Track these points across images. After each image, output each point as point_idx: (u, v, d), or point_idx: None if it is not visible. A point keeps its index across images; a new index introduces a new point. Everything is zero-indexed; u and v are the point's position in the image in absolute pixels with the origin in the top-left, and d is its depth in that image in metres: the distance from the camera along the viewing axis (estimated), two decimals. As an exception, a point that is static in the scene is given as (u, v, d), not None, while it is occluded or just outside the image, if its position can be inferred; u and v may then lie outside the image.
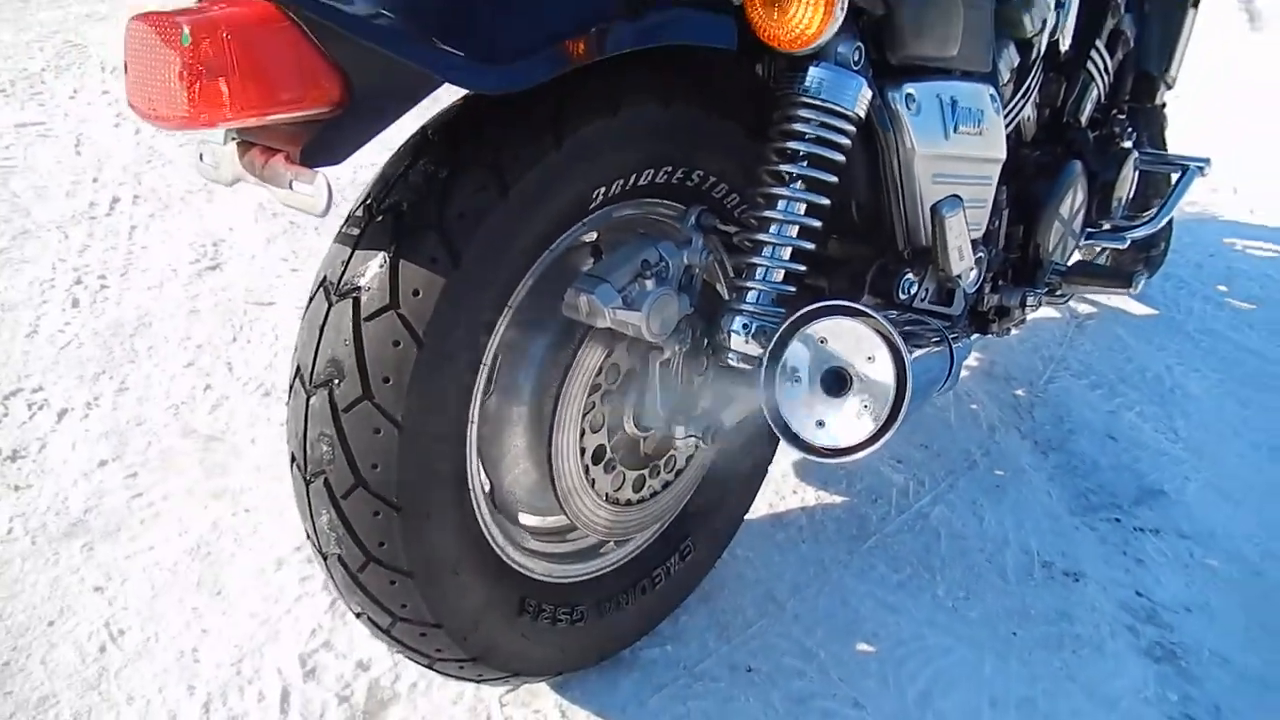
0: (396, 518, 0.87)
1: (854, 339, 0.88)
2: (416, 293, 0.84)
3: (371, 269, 0.85)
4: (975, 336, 1.54)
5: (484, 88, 0.81)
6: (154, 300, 1.72)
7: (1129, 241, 1.75)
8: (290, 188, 0.77)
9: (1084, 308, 2.25)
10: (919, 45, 1.12)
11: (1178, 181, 1.78)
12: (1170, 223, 1.99)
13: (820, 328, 0.89)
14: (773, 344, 0.91)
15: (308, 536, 0.94)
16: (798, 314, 0.90)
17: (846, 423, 0.88)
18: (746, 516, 1.36)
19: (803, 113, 0.98)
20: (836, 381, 0.89)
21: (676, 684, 1.21)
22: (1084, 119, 1.65)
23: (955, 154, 1.19)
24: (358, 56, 0.74)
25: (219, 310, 1.72)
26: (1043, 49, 1.49)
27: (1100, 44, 1.64)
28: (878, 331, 0.87)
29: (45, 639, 1.13)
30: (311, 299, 0.89)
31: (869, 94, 1.01)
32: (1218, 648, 1.42)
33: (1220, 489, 1.75)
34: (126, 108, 2.04)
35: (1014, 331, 1.62)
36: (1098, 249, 1.97)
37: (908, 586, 1.43)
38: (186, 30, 0.69)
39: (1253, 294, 2.50)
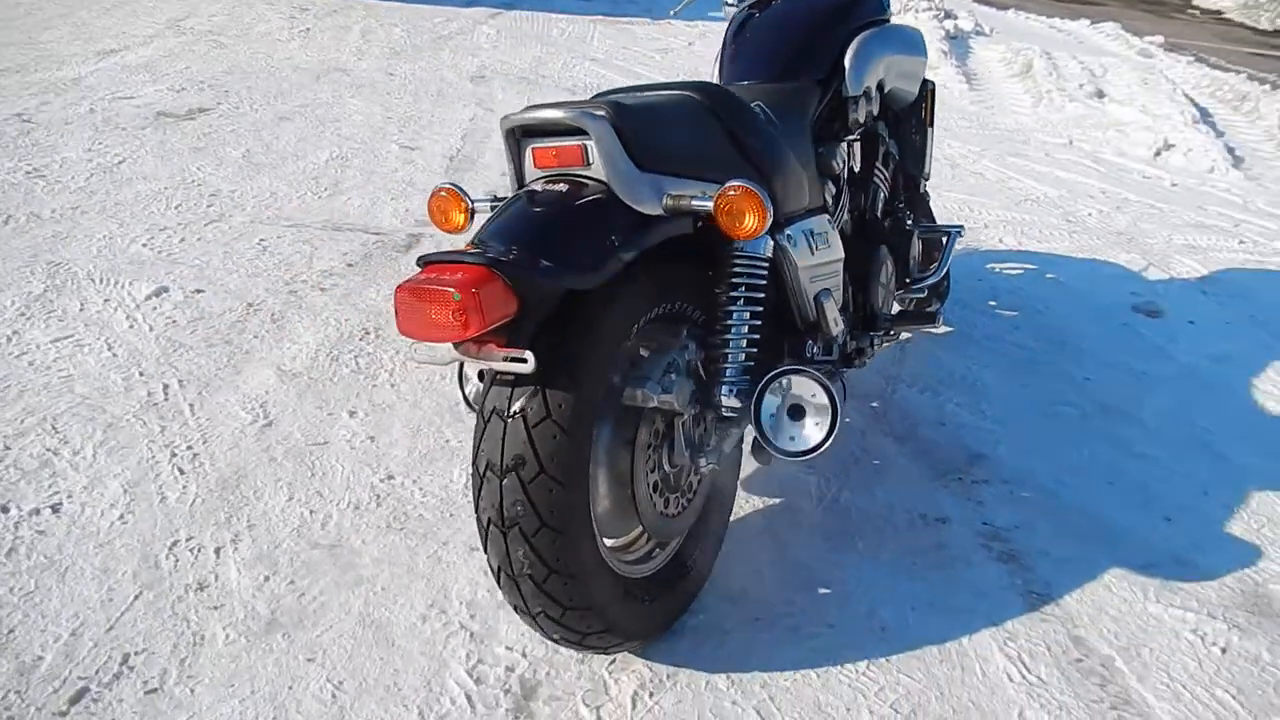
0: (562, 540, 1.38)
1: (802, 385, 1.47)
2: (560, 406, 1.36)
3: (530, 397, 1.36)
4: (845, 371, 2.18)
5: (584, 286, 1.36)
6: (239, 457, 2.12)
7: (925, 290, 2.45)
8: (502, 360, 1.30)
9: (905, 336, 2.95)
10: (788, 205, 1.75)
11: (947, 242, 2.50)
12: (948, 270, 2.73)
13: (782, 381, 1.48)
14: (756, 396, 1.49)
15: (497, 570, 1.43)
16: (767, 377, 1.48)
17: (808, 434, 1.47)
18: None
19: (741, 264, 1.58)
20: (797, 411, 1.48)
21: (711, 640, 1.74)
22: (879, 214, 2.35)
23: (819, 262, 1.83)
24: (524, 285, 1.29)
25: (290, 455, 2.14)
26: (845, 178, 2.17)
27: (878, 164, 2.36)
28: (814, 379, 1.47)
29: (292, 697, 1.54)
30: (487, 422, 1.39)
31: (771, 243, 1.63)
32: (1040, 546, 2.06)
33: (1020, 446, 2.43)
34: (133, 312, 2.42)
35: (867, 364, 2.26)
36: (908, 299, 2.68)
37: (840, 548, 2.01)
38: (457, 294, 1.21)
39: (1014, 304, 3.29)
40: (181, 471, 2.05)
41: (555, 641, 1.56)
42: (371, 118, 4.67)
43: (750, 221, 1.45)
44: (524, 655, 1.66)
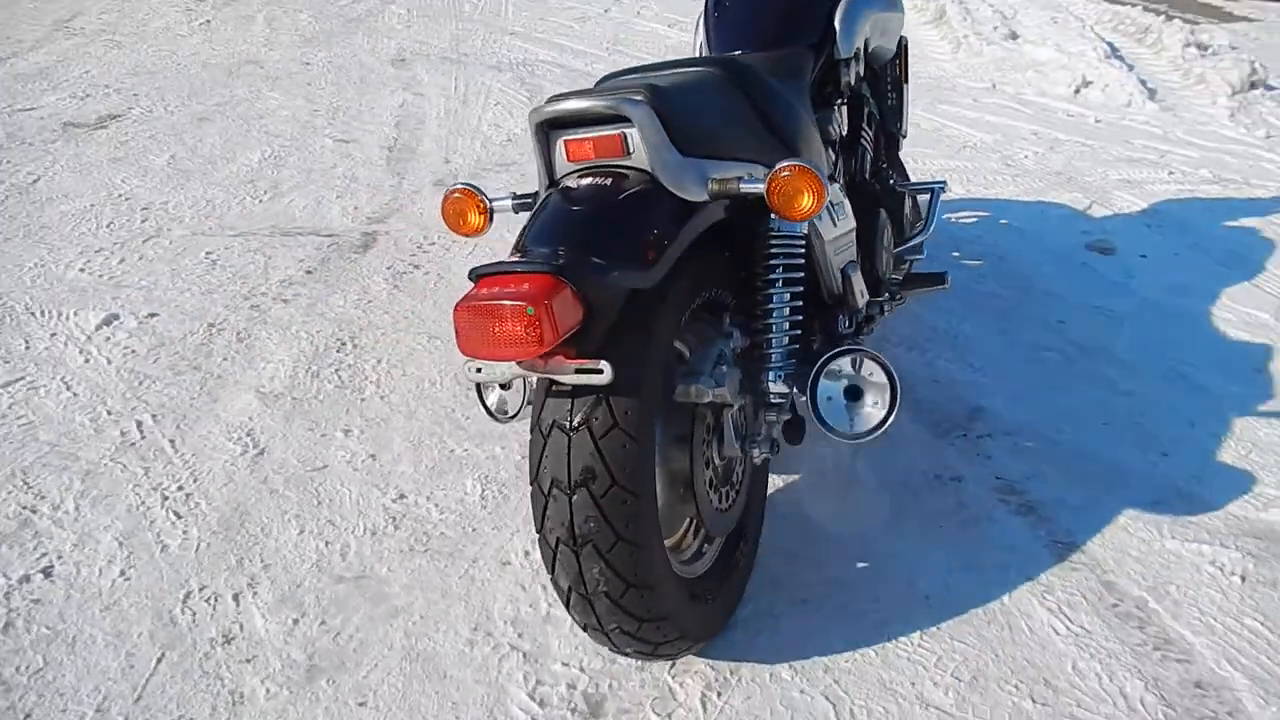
0: (639, 552, 1.31)
1: (859, 365, 1.42)
2: (626, 413, 1.29)
3: (593, 406, 1.28)
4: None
5: (648, 285, 1.29)
6: (236, 492, 1.99)
7: (923, 250, 2.43)
8: (574, 372, 1.22)
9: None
10: None
11: (932, 199, 2.48)
12: None
13: (836, 363, 1.42)
14: (811, 380, 1.43)
15: (567, 591, 1.35)
16: (822, 360, 1.43)
17: (869, 414, 1.42)
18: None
19: (778, 244, 1.52)
20: (854, 392, 1.43)
21: (765, 630, 1.70)
22: (869, 176, 2.31)
23: (841, 233, 1.78)
24: (590, 290, 1.21)
25: (291, 483, 2.02)
26: (837, 143, 2.12)
27: (864, 125, 2.31)
28: (871, 358, 1.42)
29: (351, 747, 1.45)
30: (547, 437, 1.31)
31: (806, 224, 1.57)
32: (1054, 496, 2.08)
33: (1013, 396, 2.45)
34: (86, 345, 2.25)
35: (874, 330, 2.23)
36: (904, 262, 2.65)
37: (867, 520, 2.00)
38: (531, 307, 1.12)
39: (976, 253, 3.31)
40: (178, 515, 1.91)
41: (627, 655, 1.50)
42: (297, 112, 4.44)
43: (808, 201, 1.38)
44: (582, 669, 1.60)
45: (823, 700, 1.56)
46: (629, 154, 1.36)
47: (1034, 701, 1.57)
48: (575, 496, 1.29)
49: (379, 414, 2.27)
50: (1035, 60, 5.71)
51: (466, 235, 1.58)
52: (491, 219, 1.56)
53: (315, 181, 3.65)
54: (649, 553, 1.33)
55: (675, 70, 1.62)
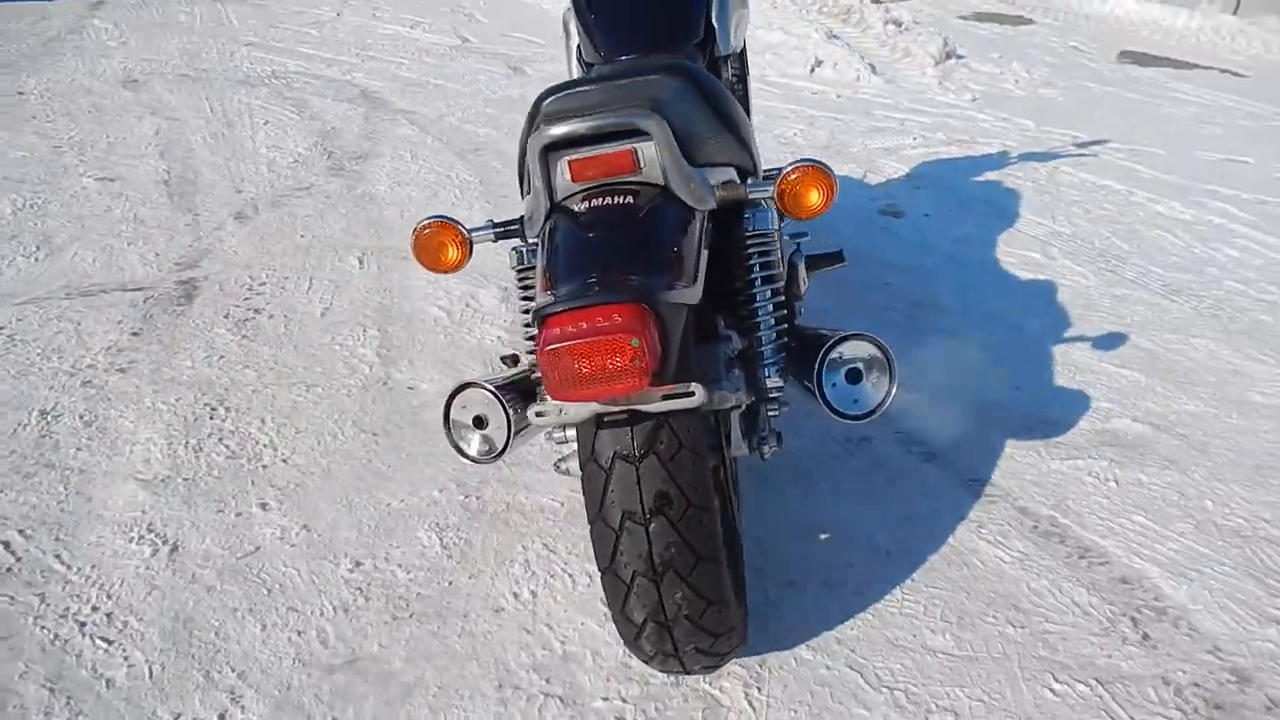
0: (718, 569, 1.29)
1: (858, 348, 1.47)
2: (689, 431, 1.26)
3: (655, 430, 1.24)
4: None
5: (697, 300, 1.27)
6: (167, 600, 1.70)
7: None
8: (661, 400, 1.18)
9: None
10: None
11: None
12: None
13: (838, 350, 1.47)
14: (818, 369, 1.47)
15: (641, 624, 1.31)
16: (824, 348, 1.47)
17: (870, 394, 1.48)
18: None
19: (755, 242, 1.53)
20: (854, 375, 1.48)
21: (771, 618, 1.74)
22: None
23: (780, 224, 1.83)
24: (663, 312, 1.17)
25: (227, 576, 1.76)
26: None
27: None
28: (869, 340, 1.47)
29: None
30: (609, 472, 1.25)
31: (774, 214, 1.59)
32: (947, 439, 2.28)
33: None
34: None
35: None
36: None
37: (810, 492, 2.08)
38: (635, 339, 1.07)
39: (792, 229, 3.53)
40: (108, 642, 1.62)
41: (693, 673, 1.48)
42: (35, 150, 3.80)
43: (816, 198, 1.40)
44: (624, 700, 1.56)
45: (848, 670, 1.64)
46: (639, 169, 1.32)
47: (1014, 626, 1.74)
48: (653, 525, 1.25)
49: (291, 480, 2.04)
50: (769, 43, 6.10)
51: (443, 271, 1.46)
52: (471, 251, 1.45)
53: (94, 229, 3.16)
54: (723, 567, 1.32)
55: (635, 78, 1.55)
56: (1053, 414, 2.41)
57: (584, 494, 1.30)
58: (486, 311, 2.79)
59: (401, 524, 1.93)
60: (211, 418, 2.23)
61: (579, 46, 2.13)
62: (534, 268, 1.63)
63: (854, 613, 1.76)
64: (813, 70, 5.75)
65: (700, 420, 1.29)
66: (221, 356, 2.48)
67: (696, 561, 1.27)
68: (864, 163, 4.30)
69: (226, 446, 2.13)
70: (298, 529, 1.90)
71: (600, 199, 1.32)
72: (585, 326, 1.12)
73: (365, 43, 5.91)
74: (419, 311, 2.78)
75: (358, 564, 1.82)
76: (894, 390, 1.48)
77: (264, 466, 2.08)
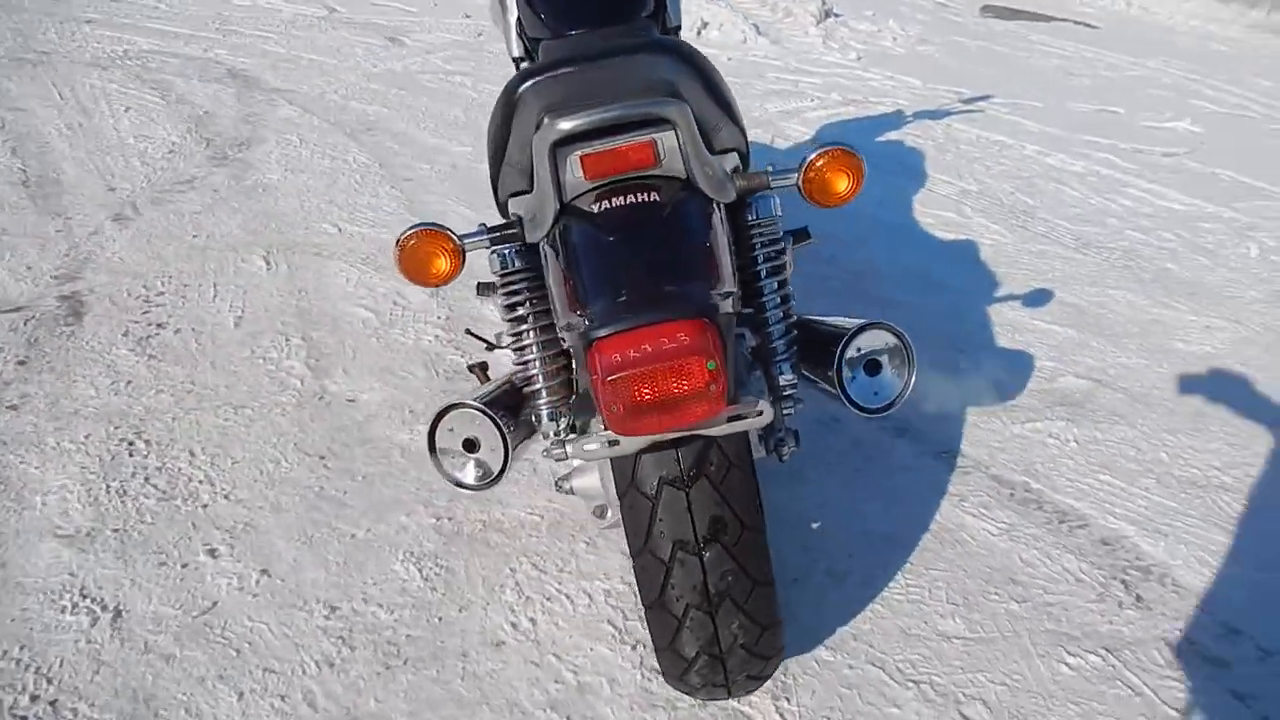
0: (770, 592, 1.20)
1: (876, 338, 1.39)
2: (735, 448, 1.15)
3: (705, 450, 1.13)
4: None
5: (739, 308, 1.16)
6: (118, 675, 1.47)
7: None
8: (728, 422, 1.08)
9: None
10: None
11: None
12: None
13: (856, 342, 1.37)
14: (837, 363, 1.37)
15: (693, 658, 1.20)
16: (843, 341, 1.37)
17: (890, 384, 1.40)
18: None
19: (760, 232, 1.40)
20: (873, 366, 1.39)
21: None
22: None
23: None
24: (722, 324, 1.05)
25: (186, 639, 1.55)
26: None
27: None
28: (886, 329, 1.38)
29: None
30: (656, 500, 1.13)
31: (777, 201, 1.46)
32: (913, 412, 2.26)
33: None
34: None
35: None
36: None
37: (798, 481, 2.01)
38: (712, 361, 0.95)
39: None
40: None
41: (737, 696, 1.39)
42: None
43: (845, 184, 1.29)
44: (653, 729, 1.46)
45: (870, 667, 1.59)
46: (660, 161, 1.19)
47: (1016, 602, 1.73)
48: (707, 554, 1.15)
49: (237, 519, 1.82)
50: (654, 6, 5.95)
51: (434, 284, 1.28)
52: (464, 260, 1.28)
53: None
54: (775, 589, 1.23)
55: (629, 58, 1.38)
56: (1004, 378, 2.43)
57: (625, 525, 1.18)
58: (416, 309, 2.58)
59: (372, 557, 1.75)
60: (131, 454, 1.96)
61: (519, 20, 1.94)
62: (523, 272, 1.48)
63: (860, 606, 1.71)
64: (699, 33, 5.65)
65: (743, 435, 1.19)
66: (129, 382, 2.19)
67: (753, 588, 1.18)
68: (768, 127, 4.24)
69: (156, 487, 1.88)
70: (256, 575, 1.69)
71: (620, 197, 1.18)
72: (650, 350, 0.99)
73: (222, 15, 5.42)
74: (343, 314, 2.54)
75: (333, 609, 1.64)
76: (913, 379, 1.41)
77: (204, 506, 1.84)
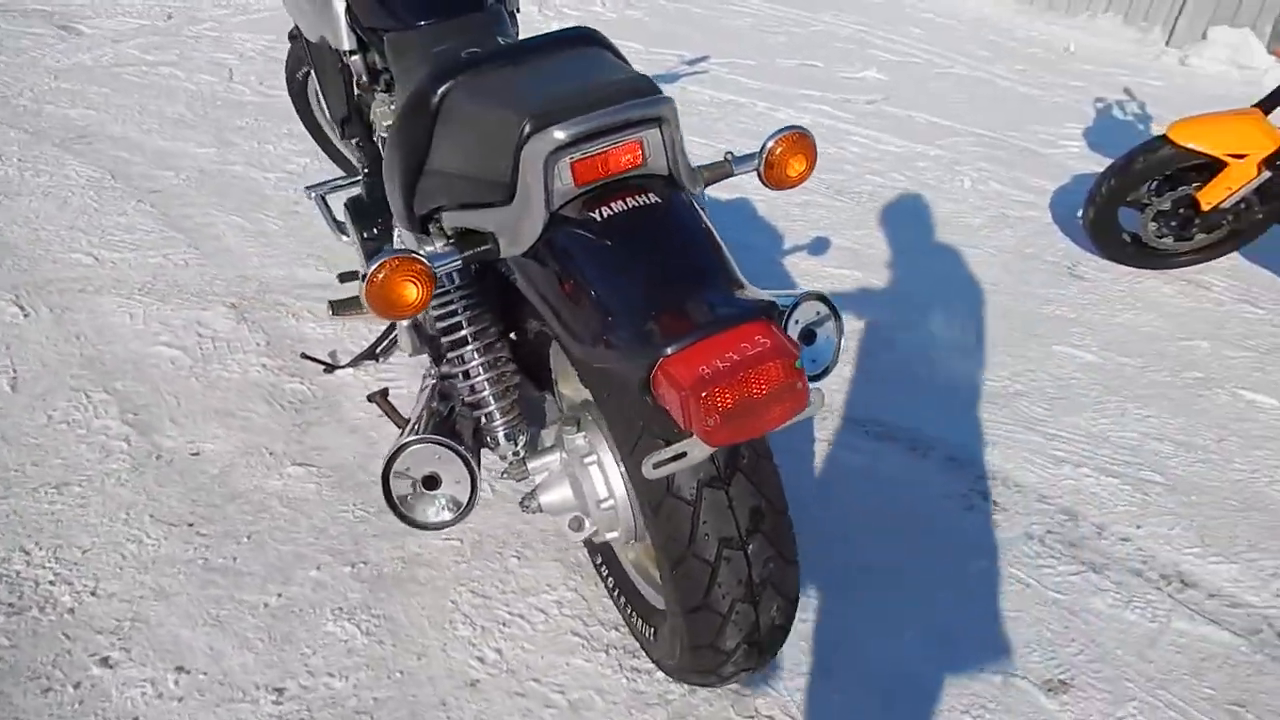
0: (796, 571, 1.24)
1: (806, 311, 1.41)
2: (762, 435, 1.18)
3: (733, 451, 1.15)
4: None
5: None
6: None
7: None
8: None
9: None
10: None
11: None
12: None
13: (795, 316, 1.41)
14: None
15: (733, 649, 1.22)
16: (783, 321, 1.41)
17: (824, 351, 1.45)
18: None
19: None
20: (808, 335, 1.43)
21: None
22: None
23: None
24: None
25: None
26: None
27: None
28: (815, 298, 1.44)
29: None
30: (697, 504, 1.13)
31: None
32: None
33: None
34: None
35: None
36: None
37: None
38: (799, 360, 0.98)
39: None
40: None
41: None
42: None
43: (800, 166, 1.31)
44: (657, 725, 1.47)
45: (876, 700, 1.70)
46: (645, 161, 1.16)
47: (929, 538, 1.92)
48: (751, 546, 1.18)
49: (120, 616, 1.53)
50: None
51: (406, 315, 1.16)
52: (437, 283, 1.17)
53: None
54: (799, 566, 1.28)
55: (559, 51, 1.28)
56: (974, 377, 2.61)
57: (662, 534, 1.17)
58: (226, 337, 2.29)
59: (299, 623, 1.57)
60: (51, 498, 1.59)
61: (348, 7, 1.75)
62: (463, 289, 1.39)
63: (876, 618, 1.75)
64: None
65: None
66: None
67: (786, 568, 1.23)
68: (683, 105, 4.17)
69: (-5, 604, 1.54)
70: (172, 676, 1.46)
71: (615, 201, 1.12)
72: (737, 358, 0.98)
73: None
74: (144, 356, 2.20)
75: (280, 691, 1.46)
76: (841, 341, 1.49)
77: (69, 611, 1.54)
